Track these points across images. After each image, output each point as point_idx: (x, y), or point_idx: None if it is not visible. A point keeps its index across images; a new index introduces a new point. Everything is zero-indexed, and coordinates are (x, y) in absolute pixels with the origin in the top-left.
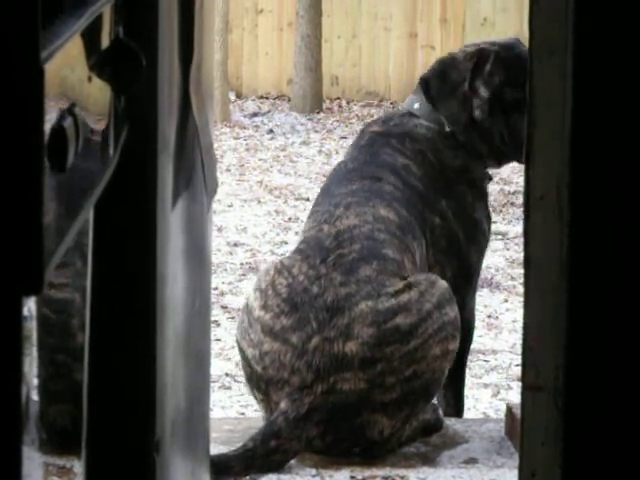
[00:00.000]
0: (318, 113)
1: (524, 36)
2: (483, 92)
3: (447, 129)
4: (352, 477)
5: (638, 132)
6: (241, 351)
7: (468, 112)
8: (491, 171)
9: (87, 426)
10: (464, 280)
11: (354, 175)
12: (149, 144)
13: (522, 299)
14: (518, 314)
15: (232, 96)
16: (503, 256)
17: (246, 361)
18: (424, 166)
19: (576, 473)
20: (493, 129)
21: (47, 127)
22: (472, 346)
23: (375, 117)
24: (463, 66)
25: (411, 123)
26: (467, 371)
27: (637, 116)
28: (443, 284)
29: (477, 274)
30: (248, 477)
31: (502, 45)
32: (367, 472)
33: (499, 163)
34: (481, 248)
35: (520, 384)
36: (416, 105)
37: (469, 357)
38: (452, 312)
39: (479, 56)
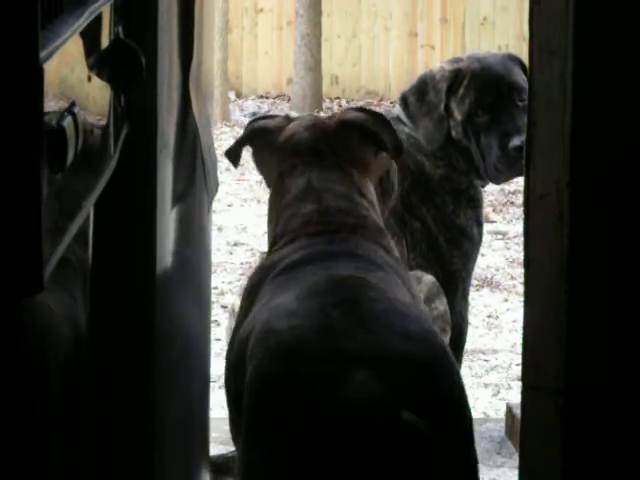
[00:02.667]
0: (318, 112)
1: (524, 36)
2: (457, 114)
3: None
4: None
5: (638, 132)
6: None
7: (445, 131)
8: None
9: (87, 424)
10: (447, 285)
11: None
12: (149, 143)
13: (522, 299)
14: (518, 314)
15: (232, 95)
16: (503, 256)
17: None
18: (403, 172)
19: (576, 473)
20: (471, 149)
21: (47, 127)
22: (472, 346)
23: None
24: (440, 86)
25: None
26: (467, 371)
27: (637, 116)
28: (430, 279)
29: (464, 279)
30: None
31: (484, 63)
32: None
33: (482, 179)
34: (467, 253)
35: (520, 384)
36: (406, 111)
37: (469, 357)
38: (441, 306)
39: (454, 78)
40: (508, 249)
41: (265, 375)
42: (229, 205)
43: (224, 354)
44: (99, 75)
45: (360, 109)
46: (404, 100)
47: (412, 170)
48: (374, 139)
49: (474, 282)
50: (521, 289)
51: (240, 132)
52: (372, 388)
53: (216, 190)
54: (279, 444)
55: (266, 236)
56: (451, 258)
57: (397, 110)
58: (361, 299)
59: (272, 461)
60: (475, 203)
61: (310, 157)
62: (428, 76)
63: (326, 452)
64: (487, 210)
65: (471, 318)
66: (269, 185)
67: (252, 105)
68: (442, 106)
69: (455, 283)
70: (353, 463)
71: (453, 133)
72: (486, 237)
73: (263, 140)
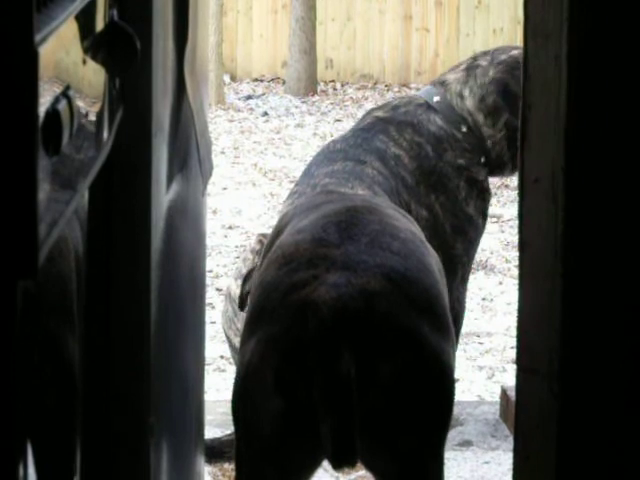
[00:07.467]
0: (312, 96)
1: (519, 19)
2: None
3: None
4: None
5: (632, 116)
6: (228, 340)
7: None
8: None
9: (82, 410)
10: (447, 269)
11: (338, 156)
12: (144, 127)
13: (517, 282)
14: (513, 296)
15: (227, 79)
16: (498, 239)
17: (234, 350)
18: (419, 159)
19: (570, 455)
20: None
21: (41, 110)
22: (467, 329)
23: (380, 102)
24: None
25: (424, 116)
26: (462, 353)
27: (631, 100)
28: None
29: (464, 264)
30: None
31: None
32: None
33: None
34: (470, 240)
35: (515, 367)
36: (436, 98)
37: (464, 340)
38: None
39: None
40: (503, 232)
41: (263, 280)
42: (224, 188)
43: (219, 337)
44: (94, 58)
45: None
46: (505, 88)
47: (429, 157)
48: None
49: None
50: (516, 272)
51: (234, 115)
52: (341, 289)
53: (210, 173)
54: (264, 335)
55: (260, 219)
56: (454, 243)
57: (425, 95)
58: (359, 220)
59: (257, 346)
60: (485, 195)
61: None
62: (516, 59)
63: (289, 340)
64: None
65: (466, 301)
66: None
67: (247, 88)
68: None
69: (455, 268)
70: (306, 353)
71: None
72: None
73: None
